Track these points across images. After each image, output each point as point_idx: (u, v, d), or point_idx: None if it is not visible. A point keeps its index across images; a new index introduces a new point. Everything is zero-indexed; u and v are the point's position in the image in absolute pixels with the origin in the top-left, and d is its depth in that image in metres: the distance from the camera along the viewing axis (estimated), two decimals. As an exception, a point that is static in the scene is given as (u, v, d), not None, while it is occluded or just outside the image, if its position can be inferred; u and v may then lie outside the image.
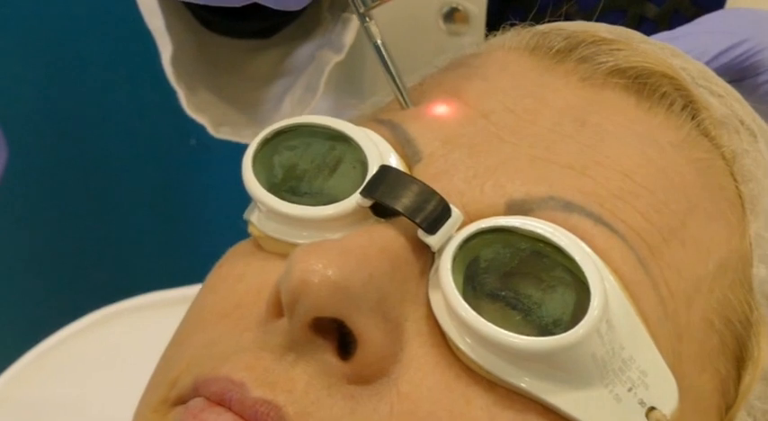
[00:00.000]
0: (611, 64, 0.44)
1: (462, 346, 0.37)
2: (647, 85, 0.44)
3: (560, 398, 0.37)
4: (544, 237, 0.37)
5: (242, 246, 0.44)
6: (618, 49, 0.45)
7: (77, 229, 1.63)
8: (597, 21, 0.76)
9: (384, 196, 0.39)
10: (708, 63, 0.54)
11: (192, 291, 0.56)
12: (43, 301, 1.65)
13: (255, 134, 0.62)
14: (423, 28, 0.76)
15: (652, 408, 0.38)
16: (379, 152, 0.41)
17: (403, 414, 0.36)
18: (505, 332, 0.36)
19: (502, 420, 0.37)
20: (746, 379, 0.42)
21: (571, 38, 0.46)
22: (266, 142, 0.42)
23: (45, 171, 1.61)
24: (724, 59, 0.55)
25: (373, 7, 0.45)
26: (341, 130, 0.42)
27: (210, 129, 0.65)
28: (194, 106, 0.64)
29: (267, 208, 0.41)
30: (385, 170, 0.40)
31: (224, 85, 0.67)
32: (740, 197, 0.44)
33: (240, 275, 0.42)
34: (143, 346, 0.55)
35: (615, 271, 0.39)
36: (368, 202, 0.39)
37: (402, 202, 0.38)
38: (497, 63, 0.46)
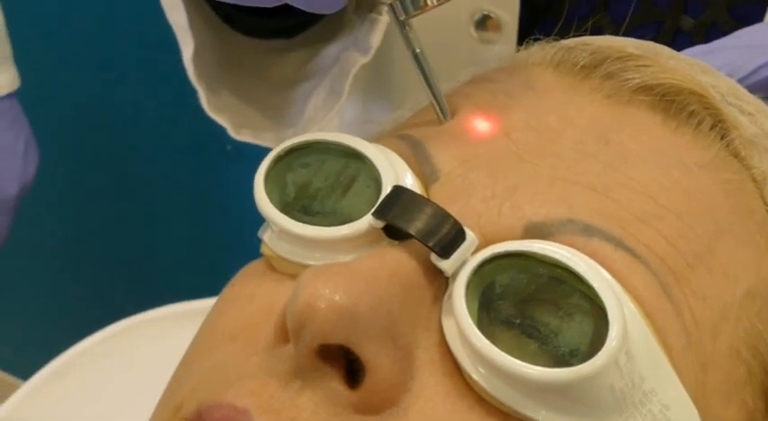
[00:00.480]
0: (637, 81, 0.43)
1: (476, 376, 0.35)
2: (675, 103, 0.42)
3: None
4: (562, 262, 0.36)
5: (254, 266, 0.43)
6: (645, 66, 0.43)
7: (109, 237, 1.64)
8: (630, 33, 0.74)
9: (396, 218, 0.37)
10: (744, 79, 0.53)
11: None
12: (73, 307, 1.65)
13: (277, 138, 0.61)
14: (454, 35, 0.74)
15: None
16: (395, 171, 0.40)
17: None
18: (520, 362, 0.34)
19: None
20: None
21: (597, 53, 0.44)
22: (279, 159, 0.41)
23: (76, 177, 1.62)
24: (762, 75, 0.53)
25: (414, 15, 0.43)
26: (355, 148, 0.41)
27: (231, 131, 0.63)
28: (214, 107, 0.62)
29: (278, 228, 0.40)
30: (398, 191, 0.38)
31: (246, 87, 0.65)
32: None
33: (250, 296, 0.41)
34: (168, 358, 0.55)
35: (636, 298, 0.37)
36: (380, 224, 0.38)
37: (415, 225, 0.37)
38: (521, 79, 0.44)
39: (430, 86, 0.43)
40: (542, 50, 0.46)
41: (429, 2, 0.43)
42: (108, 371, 0.72)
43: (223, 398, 0.36)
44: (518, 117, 0.42)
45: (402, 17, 0.43)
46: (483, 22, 0.74)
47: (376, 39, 0.63)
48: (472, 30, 0.74)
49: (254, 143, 0.66)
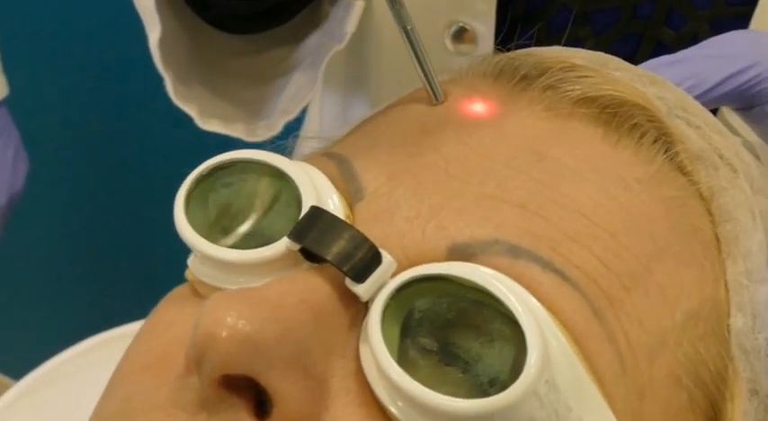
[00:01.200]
0: (578, 92, 0.41)
1: (393, 409, 0.34)
2: (617, 116, 0.40)
3: None
4: (482, 286, 0.34)
5: (179, 291, 0.41)
6: (587, 77, 0.41)
7: (110, 241, 1.63)
8: (610, 45, 0.72)
9: (312, 241, 0.36)
10: (710, 90, 0.51)
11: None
12: (72, 309, 1.65)
13: (248, 129, 0.58)
14: (430, 47, 0.73)
15: None
16: (317, 191, 0.38)
17: None
18: (436, 394, 0.33)
19: None
20: None
21: (538, 64, 0.42)
22: (202, 179, 0.40)
23: (81, 182, 1.61)
24: (729, 86, 0.51)
25: None
26: (278, 166, 0.39)
27: (198, 121, 0.60)
28: (182, 96, 0.58)
29: (195, 249, 0.38)
30: (316, 212, 0.37)
31: (219, 82, 0.62)
32: (717, 239, 0.40)
33: (170, 323, 0.39)
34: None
35: (564, 323, 0.35)
36: (296, 246, 0.36)
37: (330, 249, 0.35)
38: (460, 89, 0.43)
39: (421, 64, 0.42)
40: (485, 61, 0.44)
41: None
42: (98, 379, 0.71)
43: None
44: (450, 131, 0.40)
45: None
46: (459, 35, 0.73)
47: (351, 24, 0.60)
48: (448, 42, 0.73)
49: (224, 134, 0.63)
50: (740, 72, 0.50)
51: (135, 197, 1.58)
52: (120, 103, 1.52)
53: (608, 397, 0.35)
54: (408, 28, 0.42)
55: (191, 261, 0.40)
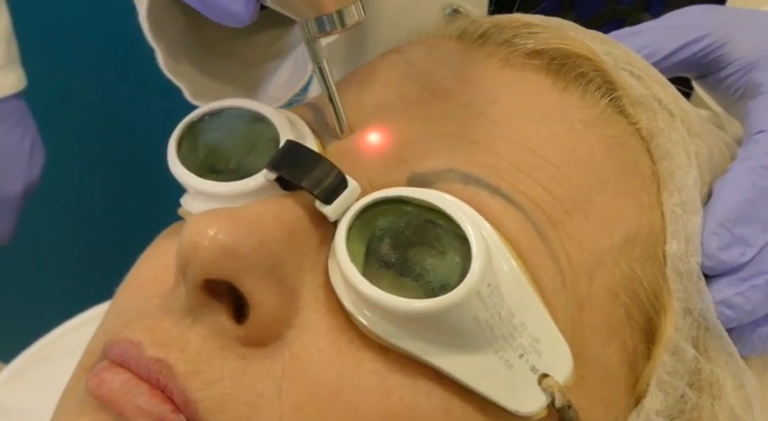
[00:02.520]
0: (530, 45, 0.45)
1: (353, 311, 0.38)
2: (565, 66, 0.45)
3: (447, 361, 0.38)
4: (433, 205, 0.38)
5: (172, 227, 0.46)
6: (539, 32, 0.46)
7: (123, 233, 1.67)
8: (596, 29, 0.76)
9: (286, 171, 0.40)
10: (666, 57, 0.55)
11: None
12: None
13: None
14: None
15: (545, 375, 0.39)
16: (293, 131, 0.43)
17: (294, 375, 0.37)
18: (388, 295, 0.37)
19: (391, 382, 0.38)
20: (654, 352, 0.42)
21: (496, 23, 0.47)
22: (193, 125, 0.44)
23: (95, 174, 1.65)
24: (684, 54, 0.55)
25: (322, 36, 0.44)
26: (260, 112, 0.44)
27: (188, 96, 0.61)
28: (172, 70, 0.60)
29: (186, 184, 0.43)
30: (289, 145, 0.41)
31: (209, 63, 0.65)
32: (655, 175, 0.44)
33: (162, 252, 0.43)
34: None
35: (510, 240, 0.39)
36: (272, 176, 0.41)
37: (301, 175, 0.40)
38: (424, 48, 0.47)
39: (332, 100, 0.44)
40: (450, 23, 0.49)
41: (336, 26, 0.43)
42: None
43: (121, 334, 0.39)
44: (415, 81, 0.45)
45: (309, 36, 0.44)
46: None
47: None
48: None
49: None
50: (694, 41, 0.54)
51: (145, 185, 1.61)
52: (140, 102, 1.56)
53: (549, 306, 0.39)
54: (321, 65, 0.44)
55: (183, 199, 0.44)
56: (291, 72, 0.64)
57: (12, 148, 1.06)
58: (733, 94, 0.53)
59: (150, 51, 0.60)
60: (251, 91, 0.64)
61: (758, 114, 0.47)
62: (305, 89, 0.67)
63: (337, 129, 0.44)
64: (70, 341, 0.75)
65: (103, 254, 1.70)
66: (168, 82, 0.63)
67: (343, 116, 0.44)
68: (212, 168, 0.43)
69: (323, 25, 0.42)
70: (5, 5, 1.08)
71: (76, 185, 1.68)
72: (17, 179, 1.07)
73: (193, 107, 0.62)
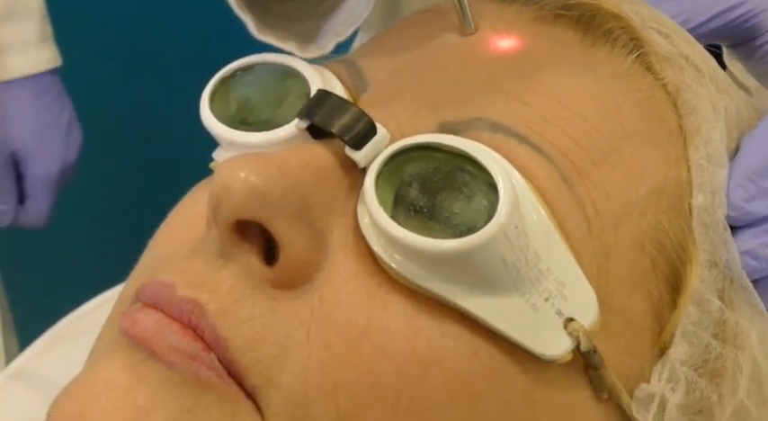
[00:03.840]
0: (561, 2, 0.46)
1: (382, 254, 0.39)
2: (593, 23, 0.45)
3: (474, 303, 0.38)
4: (462, 150, 0.39)
5: (206, 180, 0.46)
6: None
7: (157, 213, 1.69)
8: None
9: (316, 117, 0.41)
10: (702, 24, 0.55)
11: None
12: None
13: (300, 46, 0.60)
14: None
15: (570, 319, 0.39)
16: (325, 84, 0.44)
17: (323, 316, 0.38)
18: (416, 236, 0.38)
19: (419, 324, 0.38)
20: (679, 303, 0.42)
21: None
22: (225, 80, 0.45)
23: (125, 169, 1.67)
24: (721, 21, 0.55)
25: None
26: (292, 66, 0.44)
27: (253, 30, 0.56)
28: (239, 5, 0.56)
29: (217, 136, 0.44)
30: (321, 94, 0.42)
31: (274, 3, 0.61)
32: (682, 129, 0.44)
33: (195, 201, 0.44)
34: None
35: (537, 187, 0.40)
36: (303, 124, 0.42)
37: (332, 121, 0.40)
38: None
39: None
40: None
41: None
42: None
43: (154, 277, 0.39)
44: (450, 34, 0.45)
45: None
46: None
47: None
48: None
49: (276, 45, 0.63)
50: (731, 8, 0.54)
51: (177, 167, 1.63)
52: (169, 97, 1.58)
53: (575, 253, 0.40)
54: None
55: (215, 153, 0.45)
56: (353, 8, 0.64)
57: (48, 125, 1.06)
58: (766, 64, 0.53)
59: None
60: (312, 31, 0.63)
61: None
62: (346, 45, 0.67)
63: (464, 22, 0.45)
64: (104, 314, 0.76)
65: (138, 233, 1.72)
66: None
67: (469, 12, 0.45)
68: (244, 121, 0.44)
69: None
70: None
71: (112, 168, 1.69)
72: (54, 158, 1.06)
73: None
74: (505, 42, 0.45)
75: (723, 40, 0.56)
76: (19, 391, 0.72)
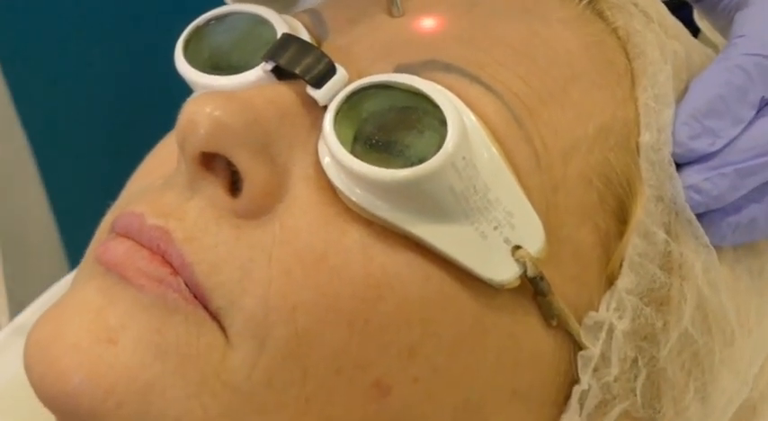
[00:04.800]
0: None
1: (340, 186, 0.41)
2: None
3: (425, 231, 0.41)
4: (416, 88, 0.41)
5: None
6: None
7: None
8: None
9: (281, 58, 0.43)
10: None
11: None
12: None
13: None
14: None
15: (518, 247, 0.42)
16: (291, 31, 0.46)
17: (283, 243, 0.41)
18: (370, 166, 0.40)
19: (374, 251, 0.41)
20: (625, 234, 0.44)
21: None
22: (198, 29, 0.47)
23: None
24: None
25: None
26: (261, 14, 0.47)
27: None
28: None
29: (190, 81, 0.46)
30: (285, 37, 0.44)
31: None
32: (630, 71, 0.46)
33: (168, 143, 0.47)
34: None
35: (487, 123, 0.42)
36: (269, 66, 0.44)
37: (294, 62, 0.43)
38: None
39: None
40: None
41: None
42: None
43: (127, 209, 0.42)
44: None
45: None
46: None
47: None
48: None
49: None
50: None
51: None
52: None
53: (524, 186, 0.42)
54: None
55: (187, 100, 0.47)
56: None
57: None
58: (728, 15, 0.55)
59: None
60: None
61: (741, 23, 0.49)
62: None
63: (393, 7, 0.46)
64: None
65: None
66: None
67: None
68: (215, 66, 0.46)
69: None
70: None
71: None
72: None
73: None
74: None
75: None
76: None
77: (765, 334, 0.50)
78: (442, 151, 0.40)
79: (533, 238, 0.42)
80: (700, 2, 0.57)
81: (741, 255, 0.48)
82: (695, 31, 0.69)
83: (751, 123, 0.46)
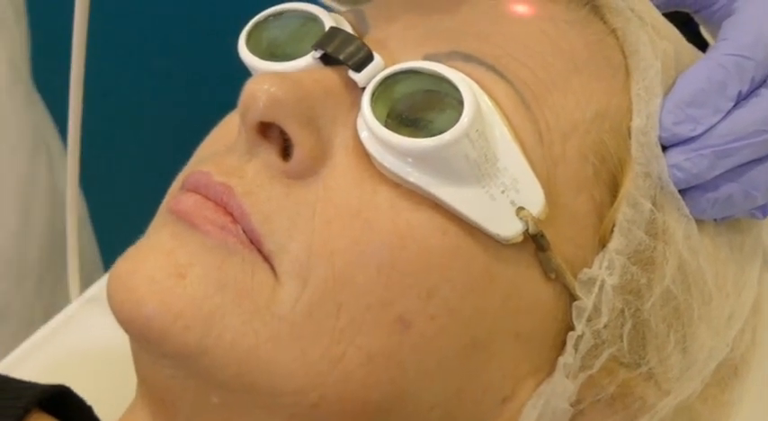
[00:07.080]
0: None
1: (373, 153, 0.49)
2: None
3: (444, 192, 0.49)
4: (440, 73, 0.50)
5: None
6: None
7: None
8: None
9: (328, 47, 0.52)
10: None
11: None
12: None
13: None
14: None
15: (522, 208, 0.49)
16: (337, 25, 0.54)
17: (325, 199, 0.49)
18: (400, 136, 0.48)
19: (400, 207, 0.49)
20: (616, 203, 0.52)
21: None
22: (258, 24, 0.56)
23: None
24: None
25: None
26: (313, 12, 0.55)
27: None
28: None
29: (251, 66, 0.54)
30: (332, 30, 0.53)
31: None
32: (625, 66, 0.54)
33: (231, 119, 0.55)
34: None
35: (498, 104, 0.50)
36: (318, 54, 0.52)
37: (339, 50, 0.51)
38: None
39: None
40: None
41: None
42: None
43: (196, 169, 0.50)
44: None
45: None
46: None
47: None
48: None
49: None
50: None
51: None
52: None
53: (528, 158, 0.50)
54: None
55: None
56: None
57: None
58: (718, 23, 0.62)
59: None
60: None
61: (725, 28, 0.56)
62: None
63: None
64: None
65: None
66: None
67: None
68: (272, 54, 0.54)
69: None
70: None
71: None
72: None
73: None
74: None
75: (683, 6, 0.64)
76: (94, 315, 0.84)
77: (744, 301, 0.57)
78: (458, 124, 0.48)
79: (535, 202, 0.50)
80: (697, 12, 0.64)
81: (723, 229, 0.55)
82: (702, 43, 0.76)
83: (729, 113, 0.53)
